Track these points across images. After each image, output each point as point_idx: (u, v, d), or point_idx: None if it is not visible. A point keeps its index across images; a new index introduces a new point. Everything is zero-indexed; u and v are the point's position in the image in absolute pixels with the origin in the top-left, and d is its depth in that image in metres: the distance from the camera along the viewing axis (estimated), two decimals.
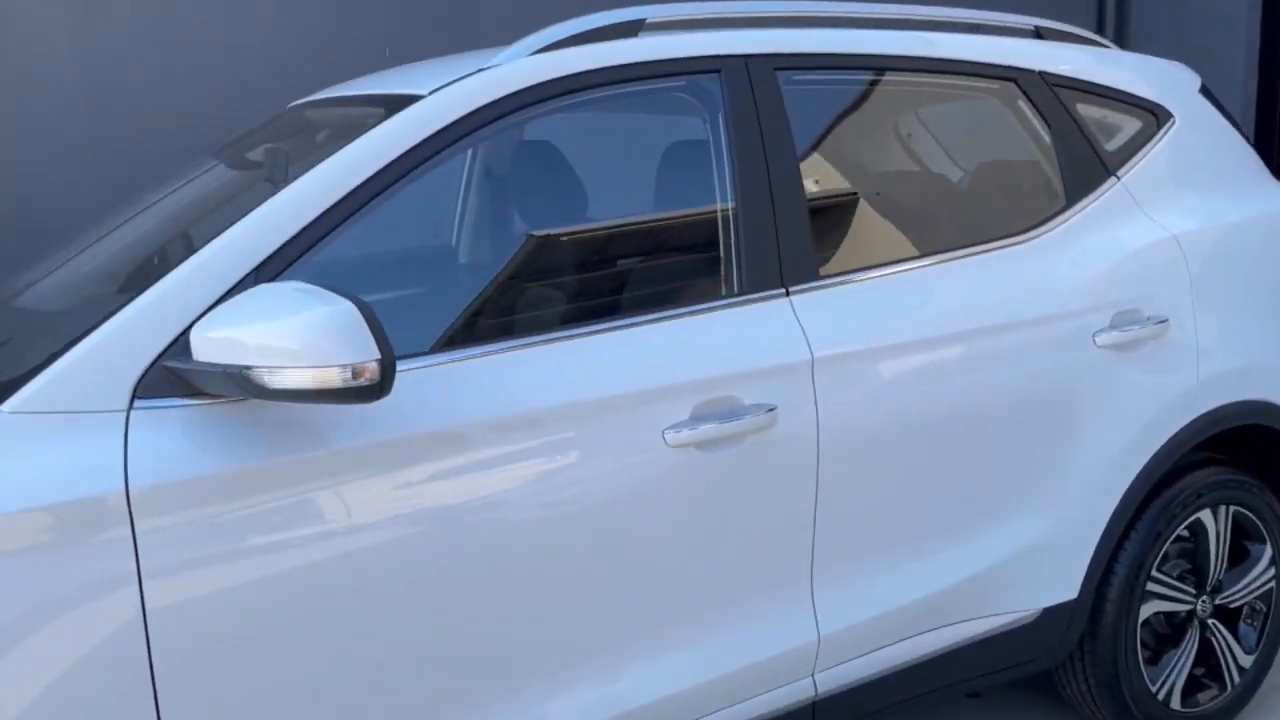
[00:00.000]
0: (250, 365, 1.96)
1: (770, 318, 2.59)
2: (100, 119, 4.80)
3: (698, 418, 2.44)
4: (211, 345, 2.01)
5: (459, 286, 2.89)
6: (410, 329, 2.30)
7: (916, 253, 2.85)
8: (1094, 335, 2.94)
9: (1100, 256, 3.02)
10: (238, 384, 1.98)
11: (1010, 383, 2.84)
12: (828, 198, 2.89)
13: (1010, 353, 2.84)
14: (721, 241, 2.63)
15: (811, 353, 2.57)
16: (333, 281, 2.06)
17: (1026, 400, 2.86)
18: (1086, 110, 3.15)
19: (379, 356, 1.94)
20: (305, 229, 2.22)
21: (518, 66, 2.51)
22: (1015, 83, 3.07)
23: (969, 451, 2.80)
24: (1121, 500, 3.04)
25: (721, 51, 2.69)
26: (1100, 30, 6.83)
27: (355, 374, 1.93)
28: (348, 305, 1.95)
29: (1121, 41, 6.80)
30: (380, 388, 1.96)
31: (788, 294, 2.62)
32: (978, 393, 2.80)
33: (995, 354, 2.82)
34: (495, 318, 2.52)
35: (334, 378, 1.93)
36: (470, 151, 2.45)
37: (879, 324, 2.69)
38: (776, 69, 2.73)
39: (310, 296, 1.98)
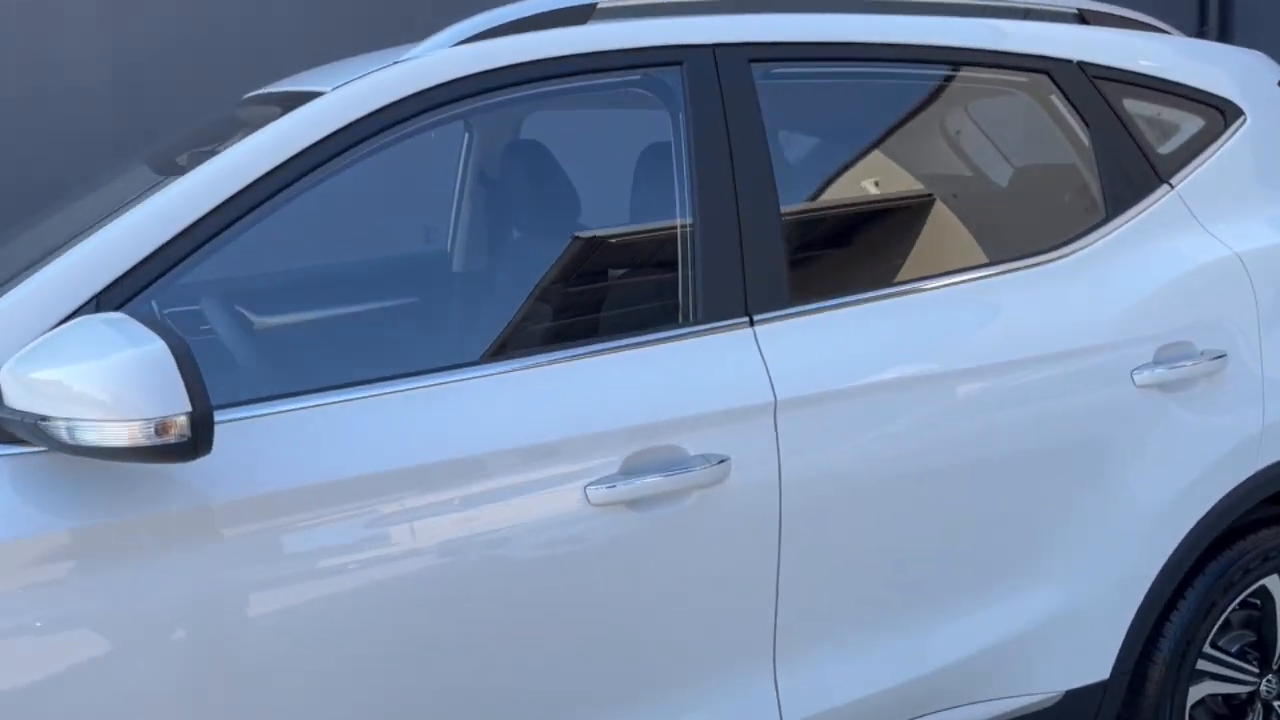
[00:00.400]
0: (47, 416, 1.66)
1: (728, 352, 2.21)
2: (125, 96, 4.67)
3: (630, 471, 2.08)
4: (19, 388, 1.72)
5: (346, 316, 2.56)
6: (285, 365, 1.99)
7: (918, 275, 2.43)
8: (1132, 372, 2.50)
9: (1144, 279, 2.57)
10: (39, 436, 1.69)
11: (1025, 429, 2.42)
12: (814, 211, 2.50)
13: (1025, 394, 2.41)
14: (679, 262, 2.27)
15: (774, 394, 2.19)
16: (194, 311, 1.76)
17: (1046, 450, 2.43)
18: (1135, 106, 2.70)
19: (189, 409, 1.62)
20: (162, 248, 1.93)
21: (435, 59, 2.19)
22: (1048, 75, 2.63)
23: (973, 509, 2.39)
24: (1167, 564, 2.59)
25: (684, 41, 2.32)
26: (1203, 19, 6.20)
27: (160, 430, 1.62)
28: (158, 346, 1.64)
29: (1225, 31, 6.16)
30: (194, 445, 1.64)
31: (751, 324, 2.24)
32: (984, 441, 2.38)
33: (1005, 395, 2.40)
34: (388, 353, 2.19)
35: (136, 434, 1.62)
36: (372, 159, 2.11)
37: (862, 360, 2.29)
38: (751, 61, 2.34)
39: (120, 333, 1.67)
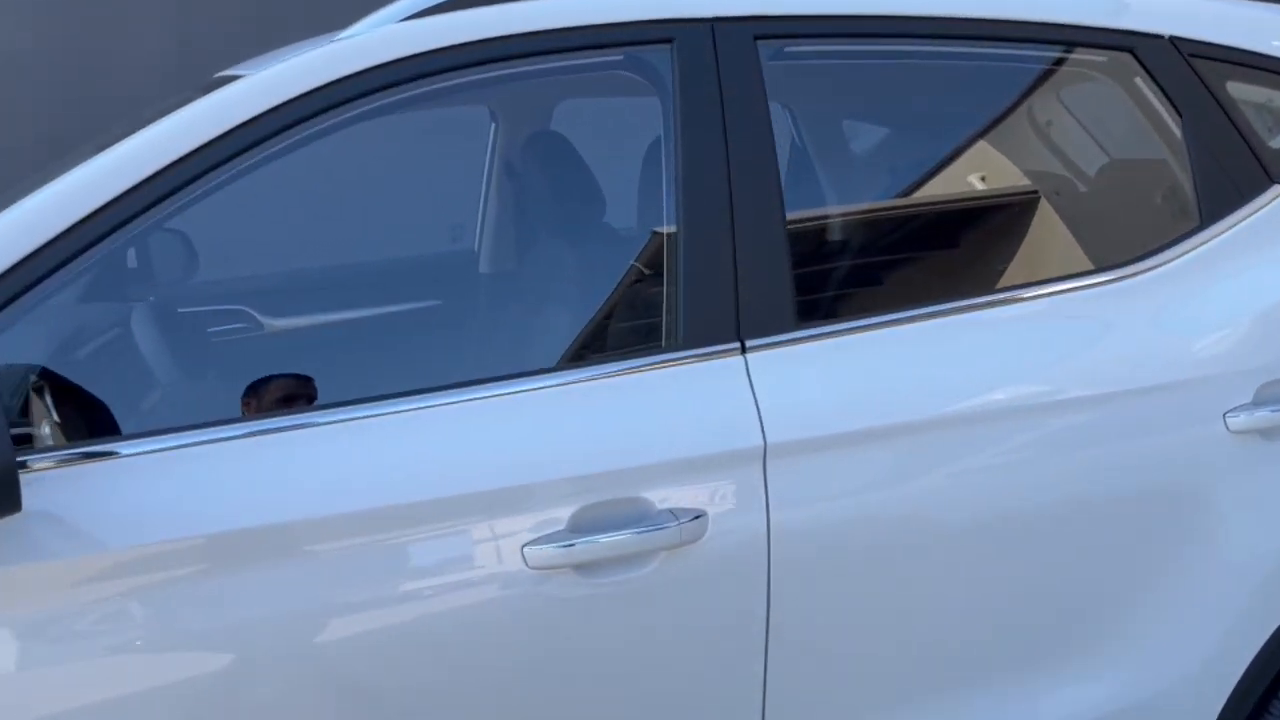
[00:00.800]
0: None
1: (711, 385, 1.85)
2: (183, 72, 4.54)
3: (579, 528, 1.75)
4: None
5: (264, 338, 2.26)
6: (163, 395, 1.72)
7: (951, 295, 2.03)
8: (1225, 415, 2.06)
9: (1244, 301, 2.12)
10: None
11: (1084, 480, 2.00)
12: (828, 218, 2.11)
13: (1083, 439, 1.99)
14: (662, 276, 1.92)
15: (764, 437, 1.82)
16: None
17: (1112, 507, 2.01)
18: (1241, 91, 2.24)
19: None
20: (32, 255, 1.67)
21: (374, 38, 1.88)
22: (1132, 53, 2.19)
23: (1018, 576, 1.98)
24: (1269, 643, 2.15)
25: (675, 14, 1.97)
26: None
27: None
28: None
29: None
30: None
31: (743, 351, 1.87)
32: (1030, 494, 1.97)
33: (1057, 441, 1.99)
34: (287, 385, 1.89)
35: None
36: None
37: (874, 397, 1.90)
38: (758, 38, 1.98)
39: None
